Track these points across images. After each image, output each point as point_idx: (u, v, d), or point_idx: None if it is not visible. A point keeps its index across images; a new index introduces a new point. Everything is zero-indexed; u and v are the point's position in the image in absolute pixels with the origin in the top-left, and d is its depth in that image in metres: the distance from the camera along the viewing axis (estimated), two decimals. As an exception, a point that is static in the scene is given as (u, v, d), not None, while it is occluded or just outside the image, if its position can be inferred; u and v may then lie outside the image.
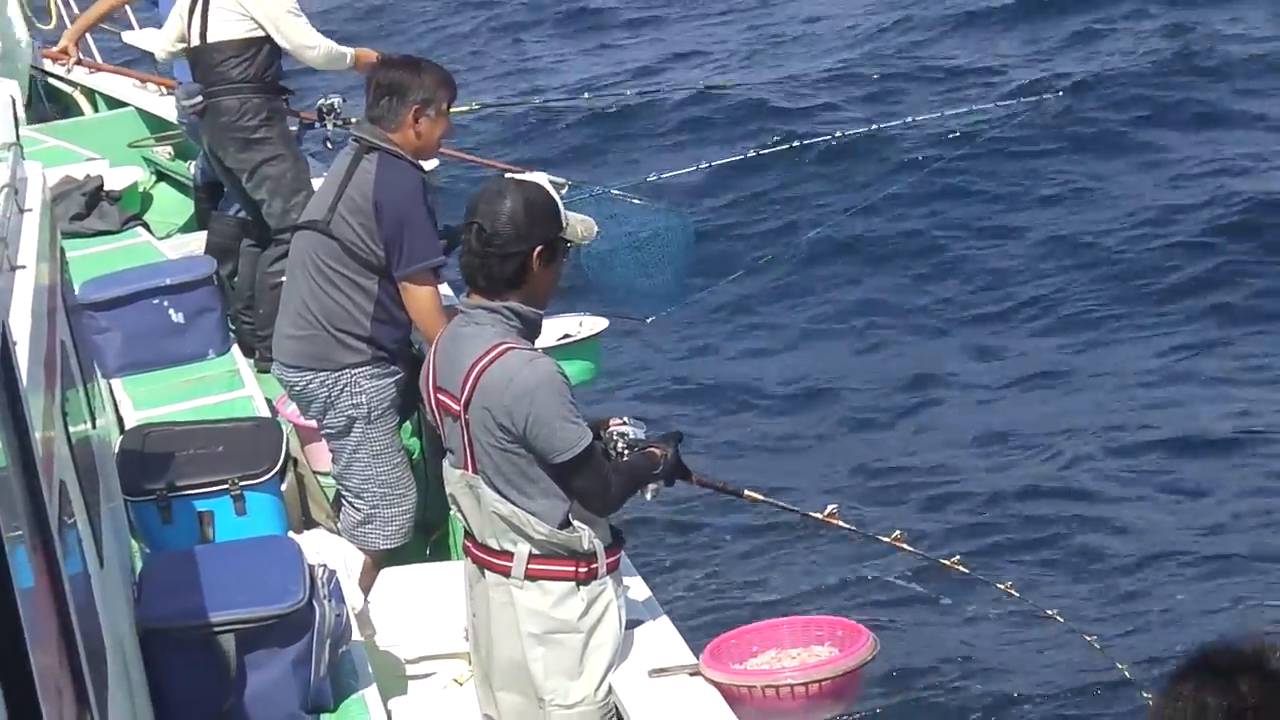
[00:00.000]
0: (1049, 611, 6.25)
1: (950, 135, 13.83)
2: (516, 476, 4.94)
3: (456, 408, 4.98)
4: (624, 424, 5.36)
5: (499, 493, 4.97)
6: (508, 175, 5.34)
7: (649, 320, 8.11)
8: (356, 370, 6.70)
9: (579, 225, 5.21)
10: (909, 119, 12.18)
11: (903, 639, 8.02)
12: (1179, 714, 2.48)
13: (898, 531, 5.87)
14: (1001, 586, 6.04)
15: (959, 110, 12.72)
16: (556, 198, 5.13)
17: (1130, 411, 10.40)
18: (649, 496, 5.32)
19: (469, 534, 5.17)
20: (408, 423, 7.92)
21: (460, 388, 4.94)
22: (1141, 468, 9.71)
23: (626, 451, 5.28)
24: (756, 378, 11.72)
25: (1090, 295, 12.14)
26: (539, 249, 5.00)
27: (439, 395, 5.08)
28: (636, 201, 8.53)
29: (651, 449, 5.28)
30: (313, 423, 7.01)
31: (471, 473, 5.02)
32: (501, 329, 4.97)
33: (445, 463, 5.20)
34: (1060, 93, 14.13)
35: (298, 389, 6.85)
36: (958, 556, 5.96)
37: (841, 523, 5.72)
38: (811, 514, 5.78)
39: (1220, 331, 11.18)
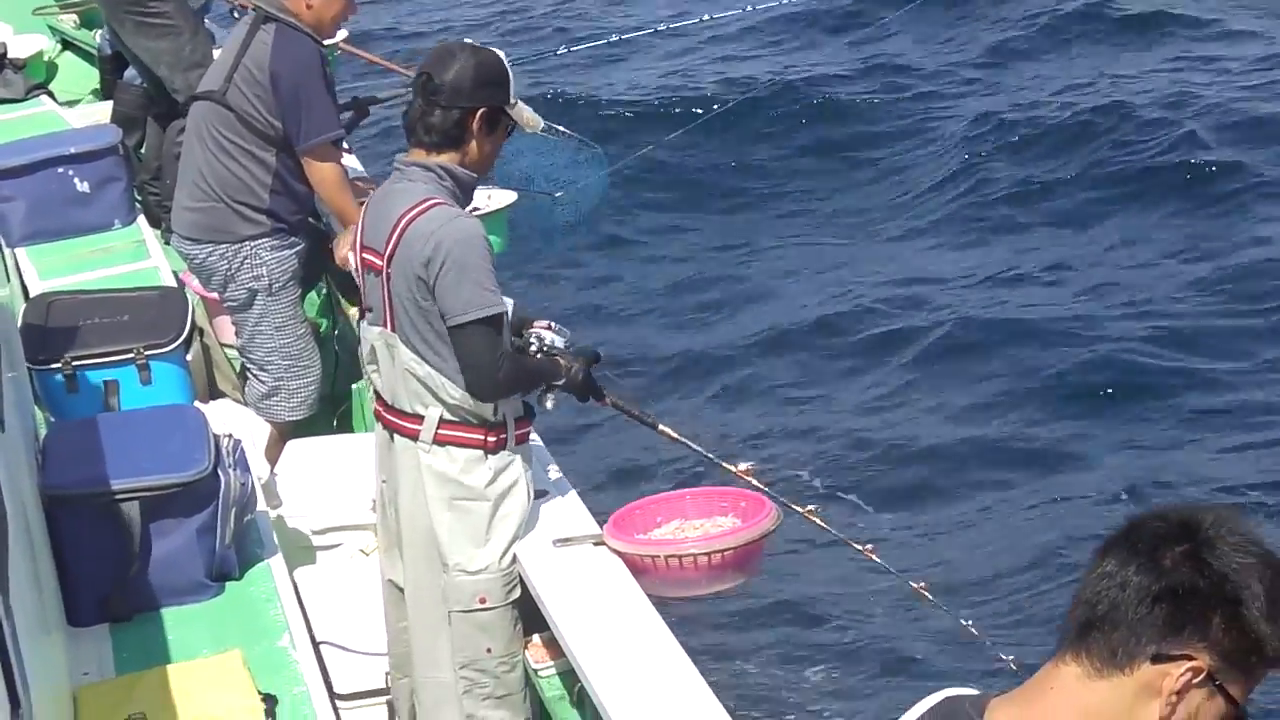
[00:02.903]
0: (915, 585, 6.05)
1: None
2: (433, 337, 4.93)
3: (379, 263, 4.97)
4: (548, 328, 5.32)
5: (415, 352, 4.97)
6: (466, 40, 5.30)
7: (558, 195, 8.05)
8: (256, 242, 6.69)
9: (527, 113, 5.19)
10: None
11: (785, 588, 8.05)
12: (1104, 594, 2.33)
13: (811, 506, 5.69)
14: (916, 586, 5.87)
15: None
16: (510, 72, 5.12)
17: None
18: (549, 406, 5.29)
19: (379, 397, 5.17)
20: (315, 297, 7.92)
21: (385, 241, 4.94)
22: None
23: (539, 355, 5.28)
24: (676, 286, 11.68)
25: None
26: (481, 112, 5.01)
27: (365, 254, 5.08)
28: (561, 130, 8.40)
29: (559, 359, 5.26)
30: (215, 294, 7.00)
31: (390, 330, 5.02)
32: (433, 186, 4.97)
33: (365, 321, 5.20)
34: None
35: (197, 261, 6.83)
36: (871, 545, 5.80)
37: (755, 481, 5.56)
38: (725, 465, 5.68)
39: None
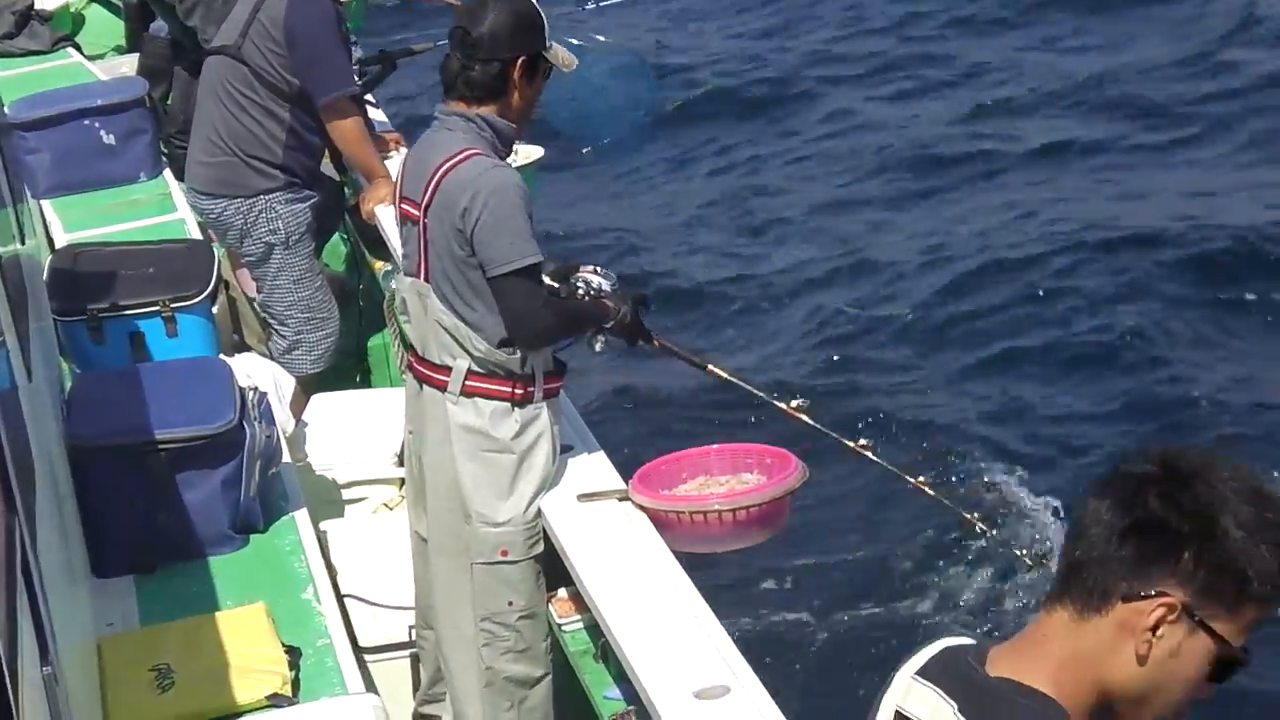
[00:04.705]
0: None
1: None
2: (465, 288, 4.92)
3: (416, 213, 4.96)
4: (594, 272, 5.29)
5: (446, 303, 4.96)
6: None
7: (585, 151, 8.01)
8: (270, 196, 6.72)
9: (562, 53, 5.16)
10: None
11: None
12: (1082, 536, 2.33)
13: (864, 441, 5.63)
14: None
15: None
16: (543, 15, 5.08)
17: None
18: (597, 348, 5.28)
19: (411, 347, 5.17)
20: (341, 250, 7.93)
21: (423, 191, 4.92)
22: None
23: (585, 299, 5.26)
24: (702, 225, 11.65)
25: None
26: (521, 60, 4.98)
27: (403, 204, 5.06)
28: (601, 40, 8.30)
29: (605, 301, 5.23)
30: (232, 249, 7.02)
31: (423, 280, 5.01)
32: (473, 137, 4.95)
33: (401, 270, 5.19)
34: None
35: (213, 216, 6.86)
36: (923, 478, 5.68)
37: (806, 418, 5.47)
38: (777, 402, 5.57)
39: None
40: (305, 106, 6.72)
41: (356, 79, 7.14)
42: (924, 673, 2.43)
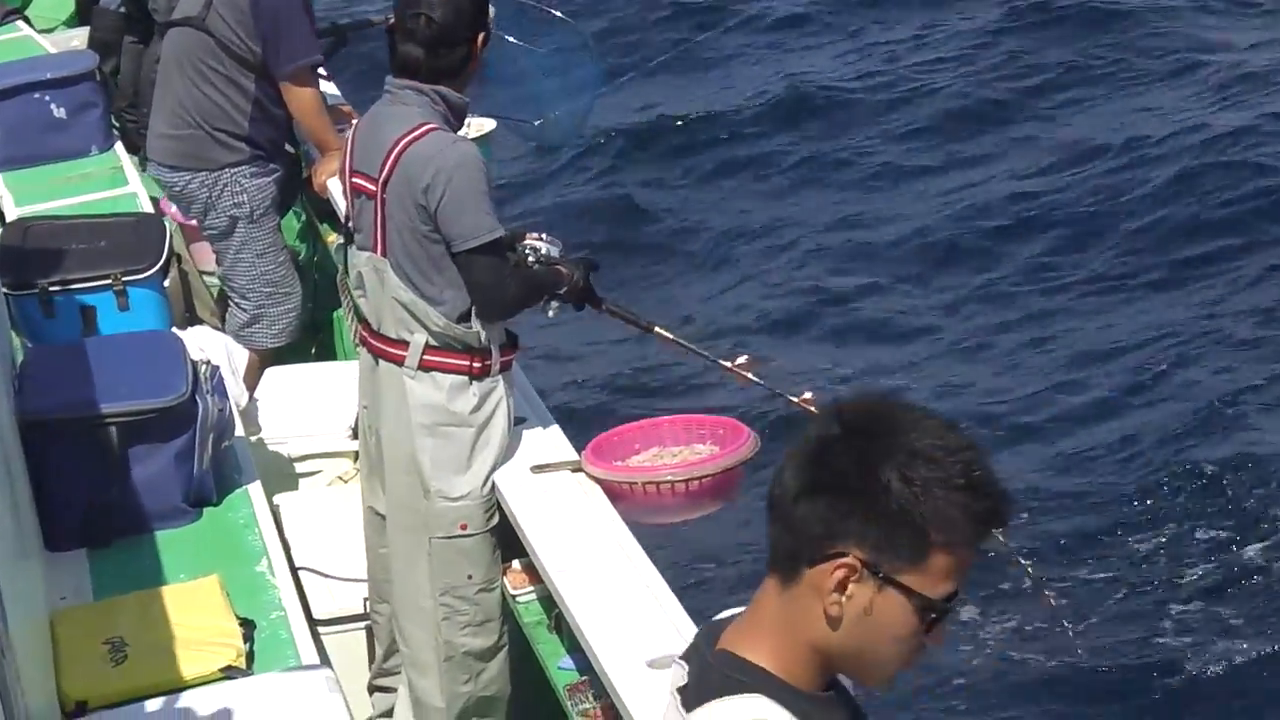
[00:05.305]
0: None
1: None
2: (425, 263, 4.91)
3: (372, 188, 4.93)
4: (540, 239, 5.28)
5: (405, 278, 4.95)
6: None
7: (538, 122, 7.96)
8: (235, 169, 6.69)
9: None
10: None
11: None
12: (773, 502, 2.29)
13: (809, 394, 5.66)
14: None
15: None
16: None
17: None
18: (550, 314, 5.27)
19: (365, 322, 5.15)
20: (294, 224, 7.90)
21: (380, 166, 4.89)
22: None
23: (537, 266, 5.25)
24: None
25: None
26: (481, 36, 4.99)
27: (355, 178, 5.03)
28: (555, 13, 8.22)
29: (559, 267, 5.22)
30: (194, 222, 6.99)
31: (380, 255, 4.99)
32: (428, 110, 4.93)
33: (353, 246, 5.17)
34: None
35: (177, 189, 6.83)
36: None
37: (751, 375, 5.47)
38: (722, 361, 5.56)
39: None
40: (271, 78, 6.69)
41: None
42: (683, 654, 2.41)
